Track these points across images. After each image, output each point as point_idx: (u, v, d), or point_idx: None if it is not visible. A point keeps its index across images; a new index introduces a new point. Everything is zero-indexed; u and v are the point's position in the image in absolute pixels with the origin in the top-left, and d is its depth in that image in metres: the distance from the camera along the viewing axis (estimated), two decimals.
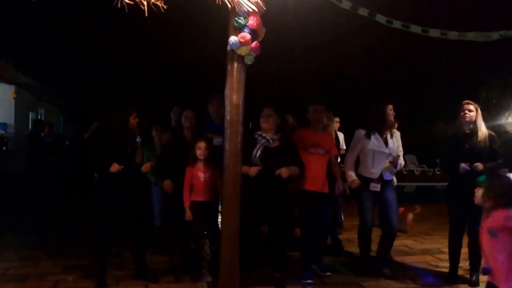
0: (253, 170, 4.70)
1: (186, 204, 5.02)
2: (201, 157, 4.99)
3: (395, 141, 5.40)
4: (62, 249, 6.20)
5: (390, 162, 5.27)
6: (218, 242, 4.28)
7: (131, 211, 4.90)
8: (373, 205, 5.36)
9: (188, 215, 5.00)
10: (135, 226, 5.01)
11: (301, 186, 5.17)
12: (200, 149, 4.98)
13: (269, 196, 4.77)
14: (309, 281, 5.06)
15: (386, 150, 5.29)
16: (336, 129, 6.90)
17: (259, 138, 4.86)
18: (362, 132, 5.40)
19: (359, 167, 5.51)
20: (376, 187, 5.27)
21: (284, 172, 4.68)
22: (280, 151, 4.86)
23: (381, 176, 5.29)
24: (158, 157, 5.88)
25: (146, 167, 5.03)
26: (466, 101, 5.14)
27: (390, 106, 5.37)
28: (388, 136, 5.35)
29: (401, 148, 5.49)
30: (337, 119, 6.91)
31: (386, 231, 5.39)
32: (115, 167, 4.67)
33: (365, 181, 5.34)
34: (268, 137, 4.85)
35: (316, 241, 5.37)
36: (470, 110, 5.06)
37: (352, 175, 5.42)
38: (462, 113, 5.09)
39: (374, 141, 5.29)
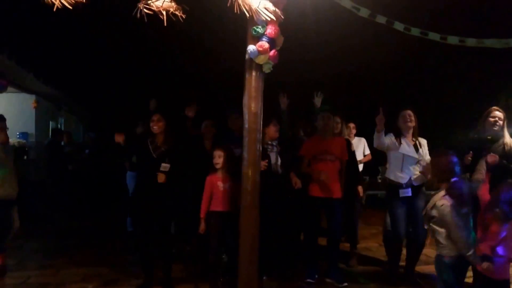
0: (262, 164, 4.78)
1: (202, 215, 4.97)
2: (217, 166, 4.97)
3: (424, 149, 5.33)
4: (82, 258, 6.24)
5: (421, 172, 5.20)
6: (235, 252, 4.27)
7: (157, 217, 4.88)
8: (405, 213, 5.24)
9: (202, 227, 4.96)
10: (161, 234, 4.96)
11: (310, 192, 5.29)
12: (215, 157, 4.98)
13: (283, 200, 4.87)
14: (308, 280, 5.24)
15: (416, 156, 5.21)
16: (353, 135, 6.90)
17: (269, 146, 4.98)
18: (388, 136, 5.33)
19: (387, 171, 5.46)
20: (406, 192, 5.18)
21: (298, 182, 4.85)
22: (284, 153, 5.30)
23: (409, 181, 5.21)
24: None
25: (161, 178, 4.92)
26: (495, 107, 5.00)
27: (404, 113, 5.31)
28: (417, 143, 5.29)
29: (428, 156, 5.32)
30: (352, 125, 6.84)
31: (411, 241, 5.34)
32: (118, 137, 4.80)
33: (394, 187, 5.26)
34: (274, 144, 5.25)
35: (329, 249, 5.44)
36: (500, 118, 4.93)
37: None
38: (492, 119, 4.93)
39: (405, 146, 5.24)
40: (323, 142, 5.40)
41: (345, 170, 5.53)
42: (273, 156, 5.33)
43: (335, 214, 5.34)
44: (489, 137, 4.92)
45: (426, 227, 3.94)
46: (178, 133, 5.36)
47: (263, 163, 4.80)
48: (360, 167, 6.93)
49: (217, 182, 4.98)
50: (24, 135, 11.57)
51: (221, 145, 5.16)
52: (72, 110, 15.05)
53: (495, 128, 4.91)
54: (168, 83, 9.38)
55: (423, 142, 5.40)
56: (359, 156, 6.91)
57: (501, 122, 4.92)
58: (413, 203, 5.23)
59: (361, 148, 7.04)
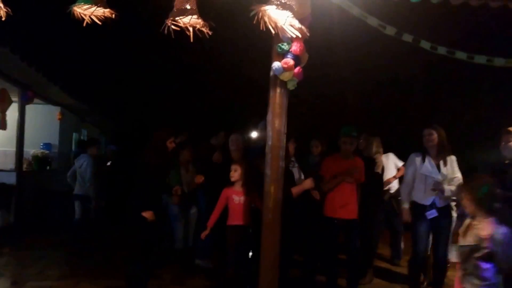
0: (309, 182, 4.76)
1: (209, 225, 5.02)
2: (232, 179, 4.99)
3: (449, 167, 5.15)
4: (102, 270, 6.27)
5: (432, 189, 5.10)
6: (249, 267, 4.24)
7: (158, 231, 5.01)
8: (428, 233, 5.16)
9: (206, 233, 5.02)
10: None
11: (327, 212, 5.22)
12: (231, 171, 5.00)
13: (307, 219, 4.82)
14: None
15: (438, 177, 5.07)
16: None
17: (291, 163, 4.97)
18: (414, 156, 5.29)
19: (413, 192, 5.33)
20: (431, 214, 5.07)
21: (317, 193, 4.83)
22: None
23: (433, 202, 5.08)
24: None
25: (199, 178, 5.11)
26: (508, 129, 4.90)
27: (425, 131, 5.21)
28: (441, 162, 5.16)
29: (457, 174, 5.16)
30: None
31: (434, 260, 5.24)
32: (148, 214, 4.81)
33: (419, 208, 5.16)
34: (294, 161, 5.22)
35: (348, 268, 5.37)
36: (508, 140, 4.83)
37: (405, 207, 5.31)
38: (503, 143, 4.87)
39: (427, 166, 5.14)
40: (343, 163, 5.29)
41: (359, 191, 5.45)
42: (296, 172, 5.31)
43: (352, 235, 5.26)
44: (506, 162, 4.85)
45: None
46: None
47: (309, 182, 4.84)
48: (396, 183, 6.86)
49: (233, 195, 4.99)
50: (47, 145, 11.73)
51: (239, 161, 5.25)
52: (95, 123, 15.24)
53: (509, 149, 4.83)
54: (193, 100, 9.45)
55: (450, 159, 5.21)
56: (392, 172, 6.84)
57: (510, 144, 4.83)
58: (437, 223, 5.11)
59: (391, 164, 6.91)
